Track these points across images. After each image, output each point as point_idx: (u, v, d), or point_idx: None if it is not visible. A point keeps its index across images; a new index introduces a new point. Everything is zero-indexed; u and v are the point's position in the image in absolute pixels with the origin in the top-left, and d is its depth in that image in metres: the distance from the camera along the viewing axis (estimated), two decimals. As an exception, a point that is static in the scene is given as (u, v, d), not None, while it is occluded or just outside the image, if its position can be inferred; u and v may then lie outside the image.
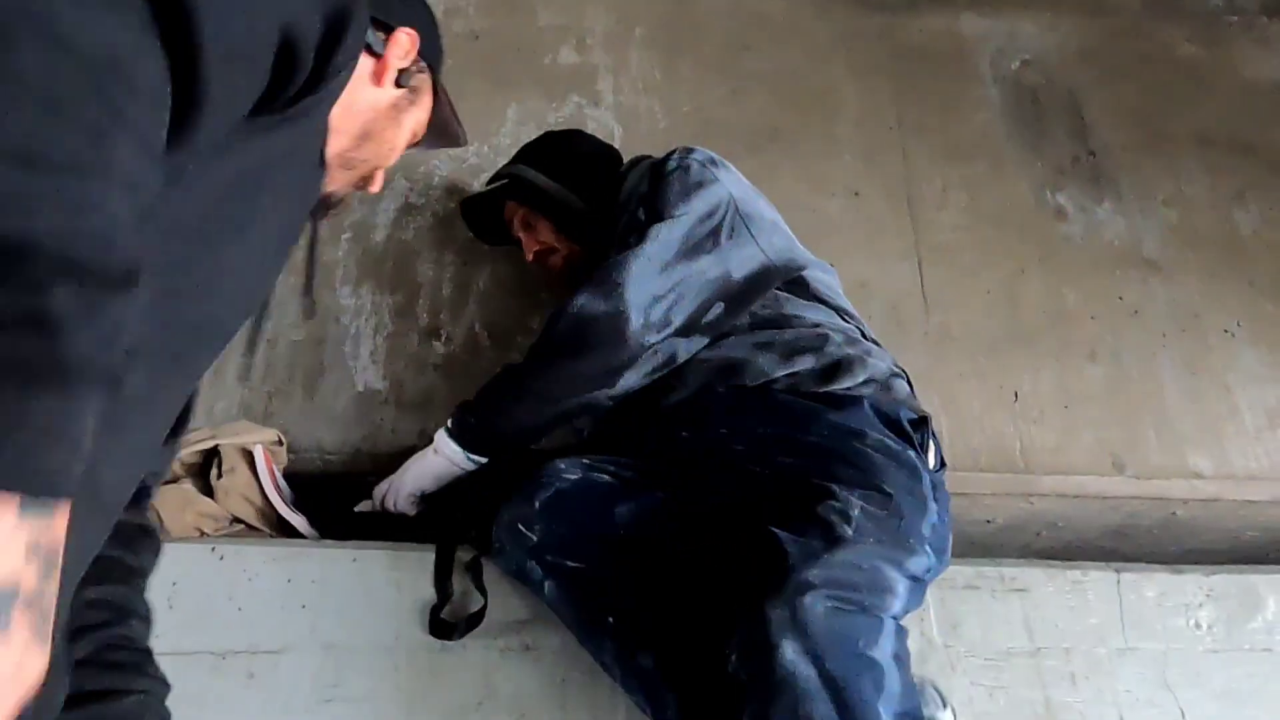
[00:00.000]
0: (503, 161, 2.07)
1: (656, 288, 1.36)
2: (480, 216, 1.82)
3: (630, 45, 2.25)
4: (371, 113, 0.97)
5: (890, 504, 1.15)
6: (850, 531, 1.10)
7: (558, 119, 2.13)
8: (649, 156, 1.64)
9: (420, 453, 1.51)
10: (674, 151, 1.51)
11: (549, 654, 1.38)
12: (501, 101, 2.16)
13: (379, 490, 1.54)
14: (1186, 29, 2.37)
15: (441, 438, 1.47)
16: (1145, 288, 2.00)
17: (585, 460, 1.39)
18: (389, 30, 0.96)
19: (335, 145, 0.92)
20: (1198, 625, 1.47)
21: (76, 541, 0.54)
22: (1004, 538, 1.84)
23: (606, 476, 1.37)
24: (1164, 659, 1.43)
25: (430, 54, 1.06)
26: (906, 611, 1.15)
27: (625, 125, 2.13)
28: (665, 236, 1.38)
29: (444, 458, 1.47)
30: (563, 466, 1.37)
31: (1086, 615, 1.46)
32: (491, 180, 1.78)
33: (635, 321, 1.34)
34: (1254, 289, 2.01)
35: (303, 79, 0.64)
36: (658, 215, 1.41)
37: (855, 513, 1.12)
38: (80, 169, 0.45)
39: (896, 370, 1.43)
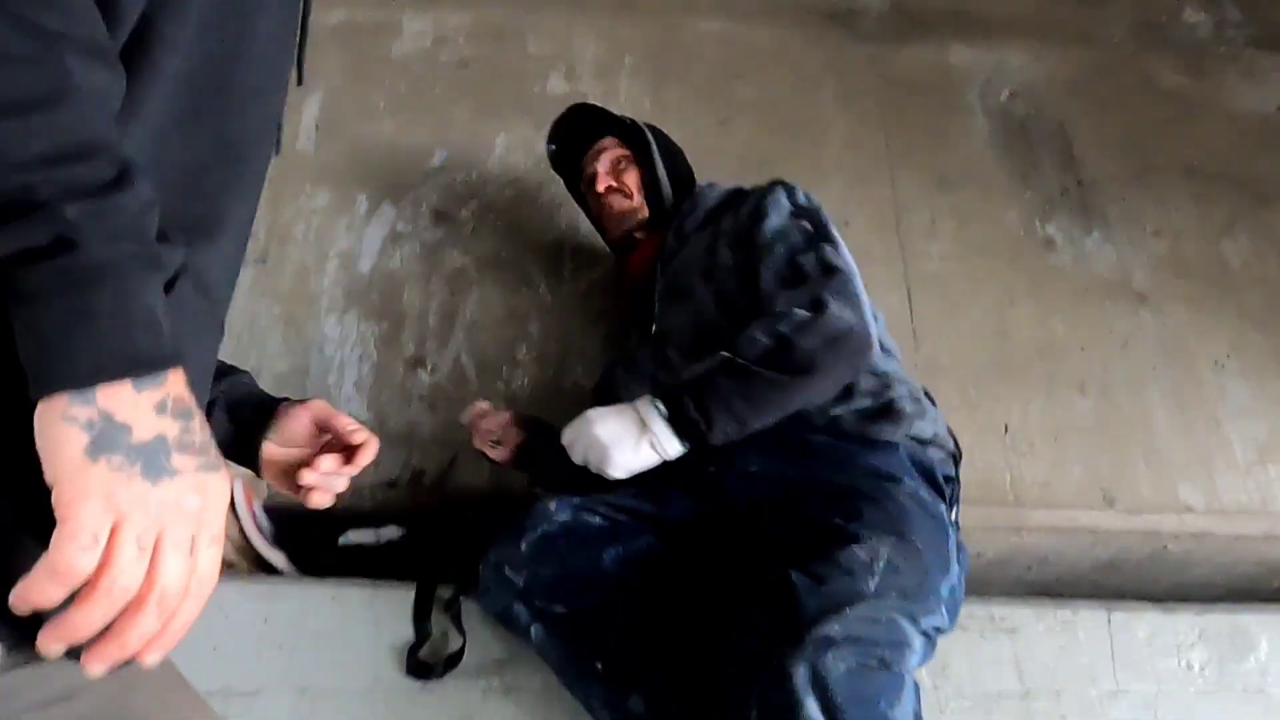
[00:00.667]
0: (491, 190, 2.07)
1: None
2: (569, 132, 1.84)
3: (620, 74, 2.25)
4: None
5: (917, 557, 1.13)
6: (873, 585, 1.08)
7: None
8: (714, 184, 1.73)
9: (612, 418, 1.33)
10: (783, 183, 1.58)
11: (530, 695, 1.35)
12: (491, 130, 2.16)
13: (565, 436, 1.38)
14: (1173, 61, 2.38)
15: (661, 428, 1.30)
16: (1135, 319, 2.00)
17: (576, 501, 1.38)
18: None
19: None
20: (1189, 666, 1.45)
21: (202, 349, 0.70)
22: (994, 572, 1.82)
23: (598, 519, 1.36)
24: (1155, 701, 1.41)
25: None
26: (919, 666, 1.13)
27: (614, 154, 2.12)
28: (851, 261, 1.44)
29: (656, 447, 1.31)
30: (553, 508, 1.36)
31: (1077, 655, 1.44)
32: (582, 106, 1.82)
33: (874, 335, 1.34)
34: (1243, 321, 2.00)
35: None
36: (830, 239, 1.46)
37: (880, 564, 1.10)
38: (44, 104, 0.52)
39: (944, 436, 1.42)
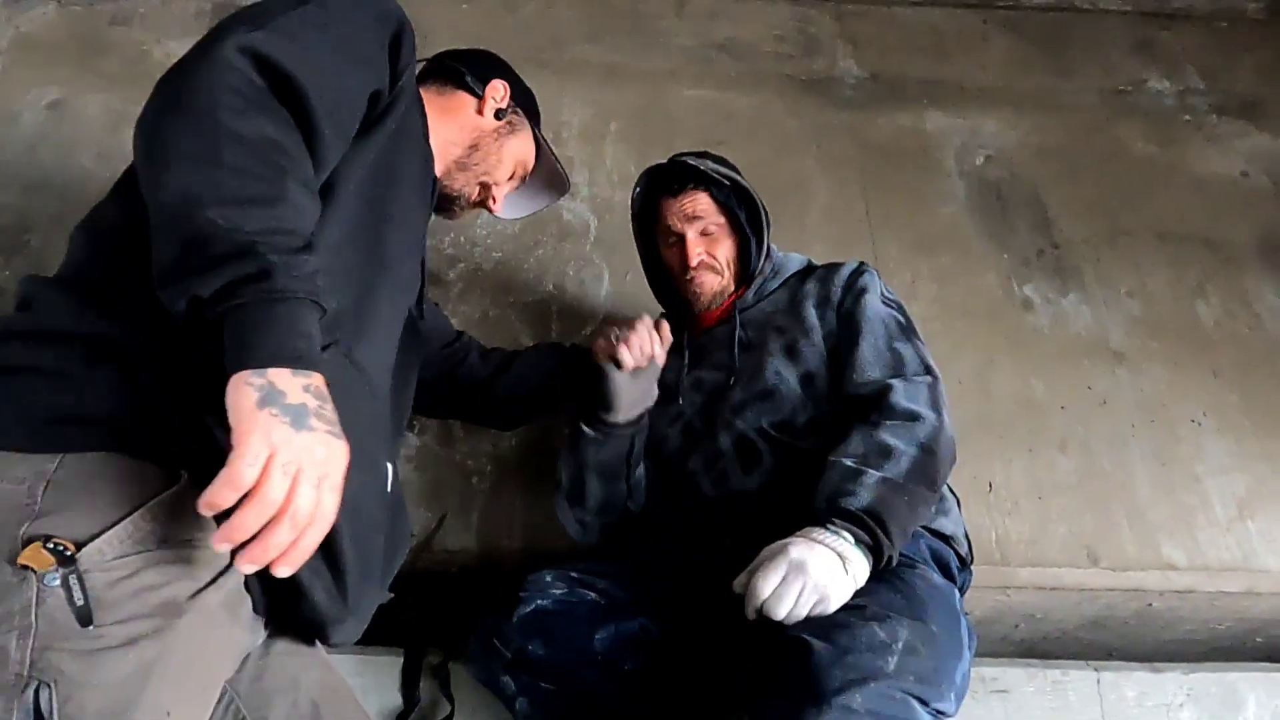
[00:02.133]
0: (479, 253, 2.09)
1: None
2: (661, 183, 1.65)
3: (606, 140, 2.30)
4: (478, 132, 1.40)
5: (933, 642, 1.13)
6: (893, 665, 1.08)
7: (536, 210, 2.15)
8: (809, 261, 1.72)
9: (816, 561, 1.18)
10: (869, 269, 1.59)
11: (518, 763, 1.33)
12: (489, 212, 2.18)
13: (766, 586, 1.19)
14: (1141, 127, 2.46)
15: (860, 562, 1.20)
16: (1113, 378, 2.04)
17: (574, 573, 1.37)
18: (486, 81, 1.42)
19: (452, 152, 1.37)
20: (1179, 725, 1.45)
21: (356, 413, 0.90)
22: (982, 630, 1.82)
23: (593, 594, 1.36)
24: (1147, 762, 1.41)
25: (524, 103, 1.49)
26: None
27: (600, 217, 2.16)
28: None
29: (856, 579, 1.20)
30: (549, 580, 1.35)
31: (1068, 716, 1.44)
32: (681, 158, 1.64)
33: None
34: (1218, 380, 2.04)
35: (388, 94, 1.05)
36: (919, 336, 1.51)
37: (899, 645, 1.10)
38: (269, 202, 0.83)
39: (961, 539, 1.43)
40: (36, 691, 0.71)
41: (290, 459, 0.76)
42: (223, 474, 0.74)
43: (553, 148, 1.54)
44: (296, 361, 0.79)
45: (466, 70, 1.41)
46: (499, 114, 1.42)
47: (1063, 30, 2.66)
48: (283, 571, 0.78)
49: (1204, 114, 2.51)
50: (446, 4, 2.49)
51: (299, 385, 0.79)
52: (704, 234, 1.59)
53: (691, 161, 1.58)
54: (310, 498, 0.78)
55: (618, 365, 1.43)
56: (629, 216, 1.72)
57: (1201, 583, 1.79)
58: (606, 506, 1.53)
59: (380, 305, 1.08)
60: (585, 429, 1.49)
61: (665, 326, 1.51)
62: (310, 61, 0.92)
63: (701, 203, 1.58)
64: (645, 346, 1.44)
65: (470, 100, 1.40)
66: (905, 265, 2.16)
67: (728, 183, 1.58)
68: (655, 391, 1.50)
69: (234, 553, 0.77)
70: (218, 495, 0.74)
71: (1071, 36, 2.64)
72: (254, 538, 0.76)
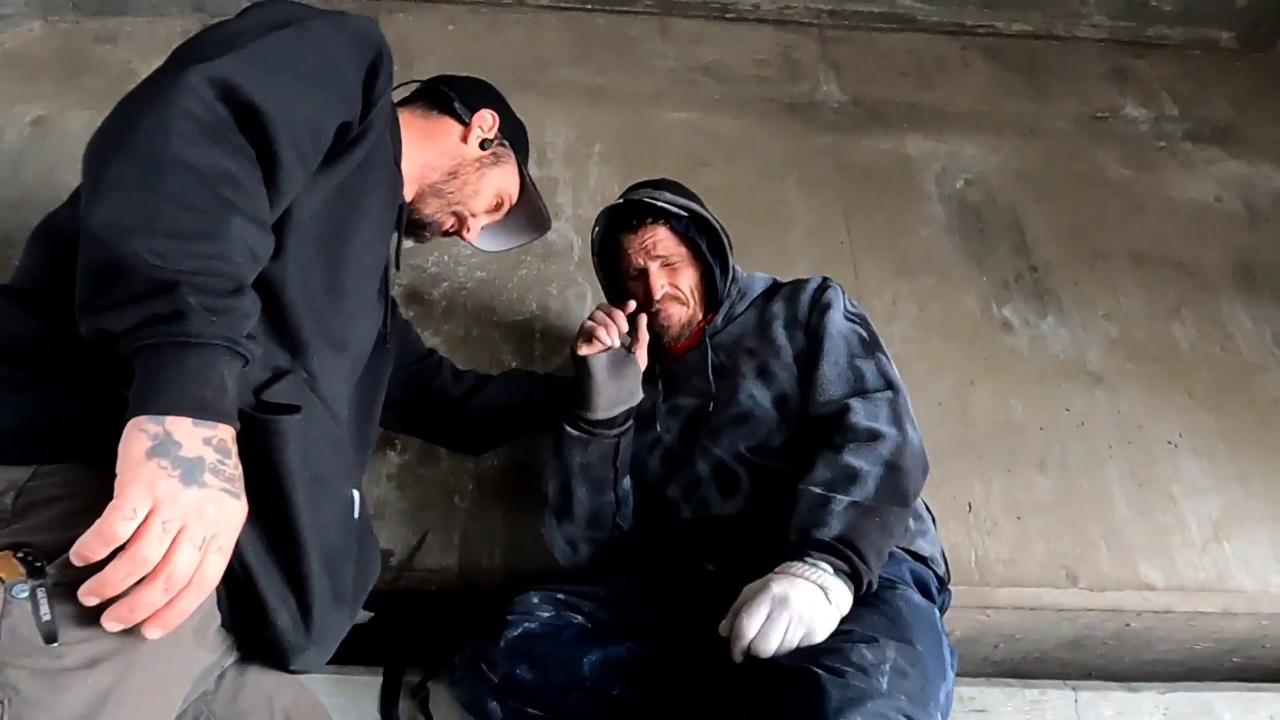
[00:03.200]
0: (463, 272, 2.10)
1: None
2: (619, 220, 1.65)
3: (590, 160, 2.32)
4: (459, 159, 1.37)
5: (920, 662, 1.14)
6: (885, 685, 1.08)
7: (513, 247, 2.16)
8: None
9: (799, 596, 1.18)
10: (832, 285, 1.60)
11: (498, 784, 1.32)
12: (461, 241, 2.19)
13: (751, 626, 1.18)
14: (1117, 153, 2.51)
15: (841, 592, 1.20)
16: (1090, 399, 2.06)
17: (560, 594, 1.37)
18: (475, 110, 1.39)
19: (429, 176, 1.34)
20: (1156, 745, 1.46)
21: (316, 440, 0.95)
22: (962, 650, 1.83)
23: (579, 617, 1.35)
24: (1124, 780, 1.42)
25: (513, 136, 1.46)
26: None
27: (584, 237, 2.17)
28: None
29: (840, 607, 1.20)
30: (535, 600, 1.35)
31: (1045, 735, 1.44)
32: (636, 196, 1.62)
33: None
34: (1193, 401, 2.07)
35: (358, 125, 1.03)
36: (883, 349, 1.51)
37: (888, 665, 1.10)
38: (206, 238, 0.79)
39: (938, 560, 1.44)
40: None
41: (172, 516, 0.72)
42: (96, 524, 0.71)
43: (534, 182, 1.52)
44: (199, 411, 0.75)
45: (456, 96, 1.38)
46: (484, 144, 1.39)
47: (1041, 57, 2.71)
48: (152, 634, 0.74)
49: (1178, 140, 2.56)
50: (432, 26, 2.51)
51: (199, 437, 0.75)
52: (666, 266, 1.60)
53: (647, 199, 1.59)
54: (189, 559, 0.73)
55: (591, 344, 1.46)
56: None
57: (1178, 603, 1.80)
58: (595, 520, 1.53)
59: (340, 332, 1.06)
60: (568, 429, 1.49)
61: (643, 317, 1.52)
62: (279, 92, 0.89)
63: (660, 236, 1.59)
64: (619, 324, 1.48)
65: (455, 127, 1.38)
66: (886, 287, 2.18)
67: (686, 213, 1.59)
68: (639, 393, 1.51)
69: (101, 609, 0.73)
70: (87, 548, 0.71)
71: (1049, 63, 2.69)
72: (125, 594, 0.72)
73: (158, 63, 0.95)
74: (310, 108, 0.94)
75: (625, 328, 1.50)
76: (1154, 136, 2.56)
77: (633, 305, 1.53)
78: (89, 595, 0.72)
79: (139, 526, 0.71)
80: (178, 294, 0.75)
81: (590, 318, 1.50)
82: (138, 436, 0.73)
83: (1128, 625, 1.82)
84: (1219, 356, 2.15)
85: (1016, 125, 2.54)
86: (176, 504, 0.73)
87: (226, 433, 0.77)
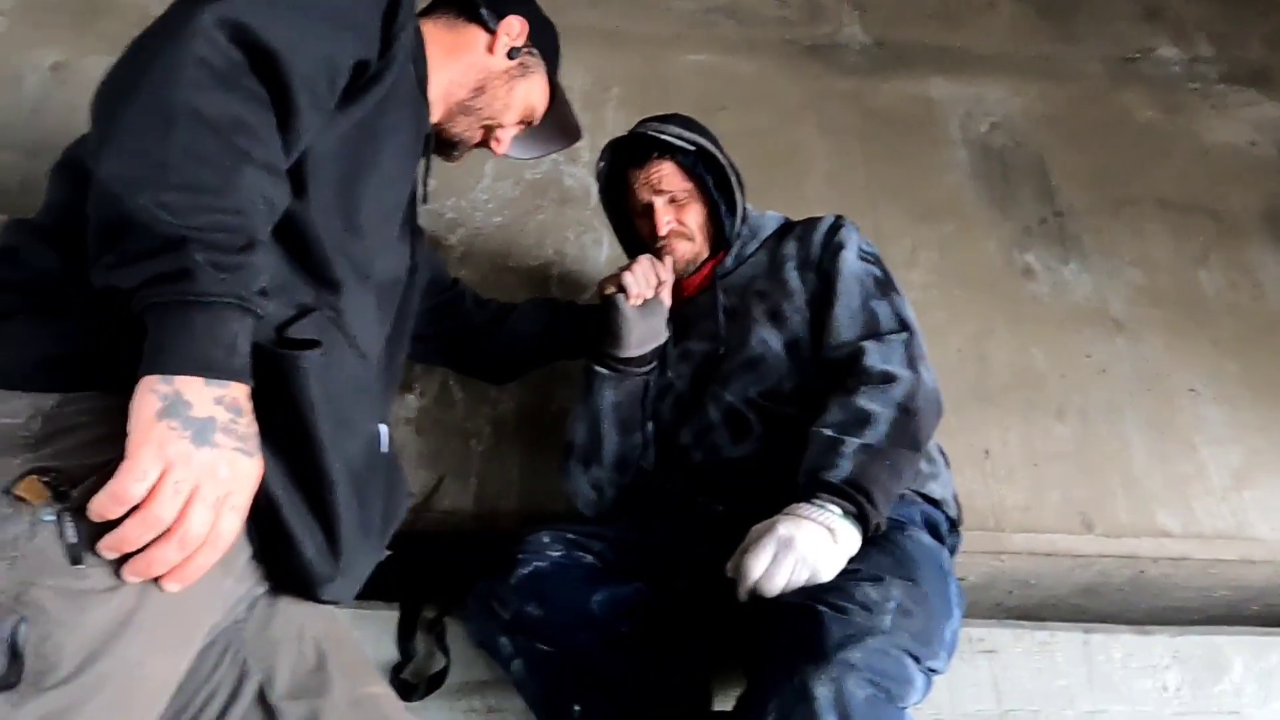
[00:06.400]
0: (480, 218, 2.09)
1: None
2: (626, 154, 1.64)
3: (607, 105, 2.29)
4: (486, 72, 1.30)
5: (925, 601, 1.15)
6: (888, 622, 1.09)
7: (534, 175, 2.16)
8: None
9: (804, 536, 1.18)
10: (846, 223, 1.57)
11: (512, 716, 1.36)
12: (479, 157, 2.16)
13: (757, 567, 1.19)
14: (1147, 95, 2.44)
15: (848, 533, 1.20)
16: (1112, 347, 2.03)
17: (570, 534, 1.38)
18: (503, 14, 1.30)
19: (456, 94, 1.28)
20: (1165, 688, 1.47)
21: (340, 375, 0.96)
22: (975, 596, 1.84)
23: (589, 557, 1.37)
24: (1132, 722, 1.43)
25: (542, 43, 1.38)
26: (917, 704, 1.14)
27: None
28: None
29: (846, 548, 1.21)
30: (546, 540, 1.36)
31: (1054, 677, 1.45)
32: (642, 130, 1.60)
33: None
34: (1217, 349, 2.04)
35: (377, 61, 1.00)
36: (898, 289, 1.50)
37: (892, 604, 1.11)
38: (217, 190, 0.78)
39: (951, 502, 1.44)
40: (16, 625, 0.71)
41: (185, 477, 0.73)
42: (110, 484, 0.72)
43: (564, 91, 1.46)
44: (209, 370, 0.75)
45: (482, 2, 1.31)
46: (512, 53, 1.31)
47: (1070, -3, 2.63)
48: (171, 587, 0.77)
49: (1212, 82, 2.49)
50: (448, -33, 2.47)
51: (210, 397, 0.75)
52: (672, 201, 1.58)
53: (652, 131, 1.57)
54: (204, 519, 0.75)
55: (625, 294, 1.46)
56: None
57: (1196, 550, 1.80)
58: (623, 462, 1.53)
59: (364, 269, 1.06)
60: (598, 368, 1.50)
61: (667, 260, 1.52)
62: (294, 32, 0.87)
63: (666, 171, 1.57)
64: (650, 276, 1.47)
65: (481, 36, 1.30)
66: (905, 233, 2.15)
67: (693, 148, 1.57)
68: (665, 330, 1.51)
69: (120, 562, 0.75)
70: (102, 506, 0.72)
71: (1079, 3, 2.62)
72: (142, 550, 0.74)
73: (177, 6, 0.94)
74: (325, 47, 0.91)
75: (665, 287, 1.50)
76: (1186, 78, 2.49)
77: (669, 261, 1.53)
78: (107, 549, 0.73)
79: (152, 487, 0.72)
80: (185, 251, 0.74)
81: (630, 268, 1.49)
82: (148, 397, 0.74)
83: (1143, 572, 1.82)
84: (1246, 304, 2.11)
85: (1043, 68, 2.48)
86: (189, 465, 0.73)
87: (239, 390, 0.78)
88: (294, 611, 1.03)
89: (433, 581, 1.47)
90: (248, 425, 0.78)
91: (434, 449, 1.82)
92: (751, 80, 2.38)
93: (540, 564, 1.33)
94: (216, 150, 0.79)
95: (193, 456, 0.74)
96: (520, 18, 1.33)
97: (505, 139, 1.38)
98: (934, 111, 2.37)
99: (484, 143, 1.37)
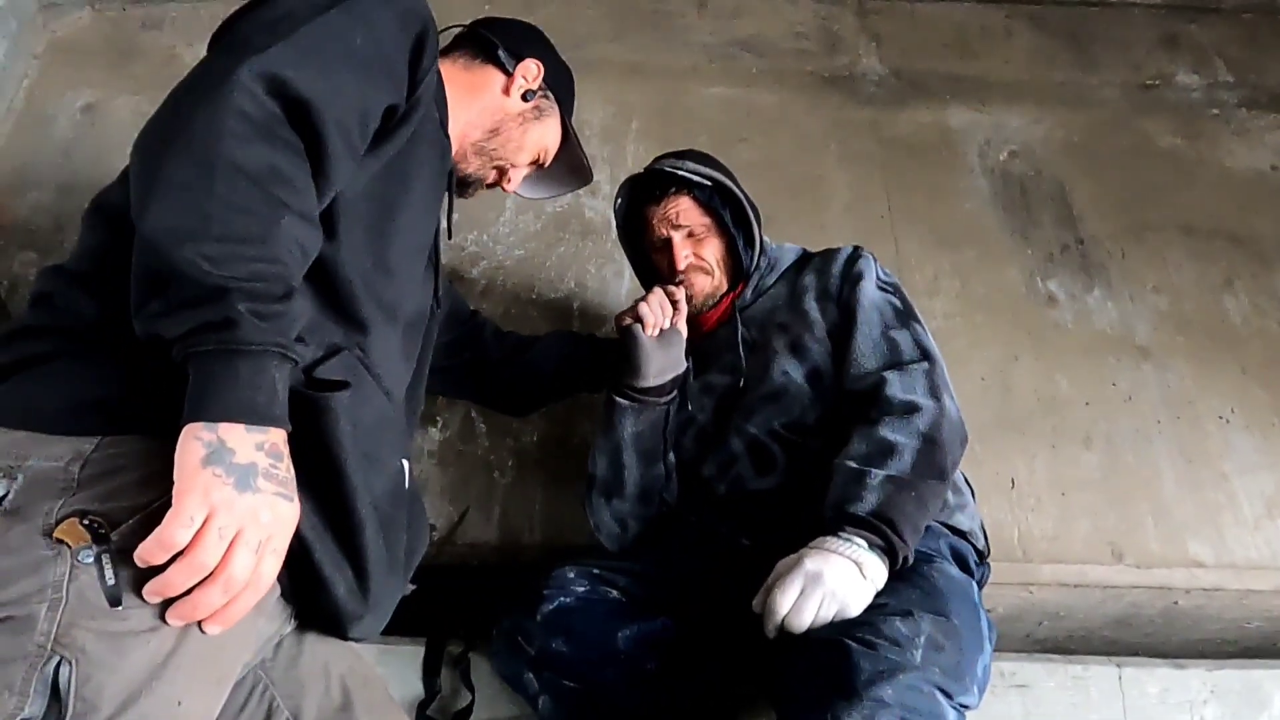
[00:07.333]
0: (501, 251, 2.11)
1: None
2: (643, 191, 1.65)
3: (627, 138, 2.31)
4: (501, 114, 1.33)
5: (956, 636, 1.13)
6: (919, 657, 1.08)
7: (556, 209, 2.17)
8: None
9: (832, 570, 1.17)
10: (864, 254, 1.59)
11: (538, 753, 1.35)
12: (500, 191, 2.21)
13: (784, 603, 1.17)
14: (1168, 121, 2.44)
15: (876, 566, 1.19)
16: (1138, 374, 2.02)
17: (596, 570, 1.38)
18: (520, 57, 1.34)
19: (471, 135, 1.31)
20: (1203, 723, 1.44)
21: (368, 414, 0.97)
22: (1004, 628, 1.82)
23: (615, 592, 1.36)
24: (1169, 758, 1.40)
25: (557, 86, 1.41)
26: None
27: (621, 215, 2.17)
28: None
29: (875, 582, 1.20)
30: (571, 576, 1.36)
31: (1088, 712, 1.43)
32: (658, 166, 1.62)
33: None
34: (1246, 376, 2.02)
35: (404, 104, 1.02)
36: (918, 318, 1.50)
37: (922, 639, 1.10)
38: (258, 241, 0.81)
39: (978, 533, 1.43)
40: (57, 666, 0.72)
41: (229, 522, 0.75)
42: (157, 531, 0.74)
43: (577, 133, 1.47)
44: (251, 417, 0.78)
45: (500, 44, 1.34)
46: (527, 96, 1.34)
47: (1087, 24, 2.63)
48: (213, 630, 0.78)
49: (1232, 108, 2.48)
50: (469, 2, 2.51)
51: (251, 443, 0.77)
52: (690, 236, 1.59)
53: (668, 167, 1.58)
54: (247, 563, 0.77)
55: (642, 325, 1.47)
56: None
57: (1229, 580, 1.77)
58: (645, 494, 1.53)
59: (391, 308, 1.08)
60: (618, 399, 1.50)
61: (681, 290, 1.53)
62: (328, 83, 0.89)
63: (684, 206, 1.58)
64: (665, 306, 1.49)
65: (498, 78, 1.33)
66: (927, 261, 2.15)
67: (709, 183, 1.58)
68: (683, 360, 1.51)
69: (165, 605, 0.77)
70: (149, 552, 0.74)
71: (1096, 31, 2.62)
72: (186, 594, 0.76)
73: (202, 48, 0.96)
74: (358, 95, 0.94)
75: (680, 317, 1.51)
76: (1206, 104, 2.49)
77: (684, 292, 1.54)
78: (153, 594, 0.75)
79: (196, 533, 0.74)
80: (228, 301, 0.77)
81: (645, 300, 1.50)
82: (192, 444, 0.76)
83: (1176, 603, 1.79)
84: (1274, 330, 2.09)
85: (1062, 95, 2.48)
86: (232, 511, 0.75)
87: (278, 436, 0.80)
88: (320, 649, 1.03)
89: (457, 614, 1.47)
90: (287, 470, 0.81)
91: (457, 482, 1.82)
92: (771, 112, 2.40)
93: (566, 599, 1.33)
94: (256, 202, 0.81)
95: (236, 502, 0.76)
96: (537, 61, 1.35)
97: (516, 179, 1.41)
98: (953, 140, 2.38)
99: (496, 182, 1.40)
